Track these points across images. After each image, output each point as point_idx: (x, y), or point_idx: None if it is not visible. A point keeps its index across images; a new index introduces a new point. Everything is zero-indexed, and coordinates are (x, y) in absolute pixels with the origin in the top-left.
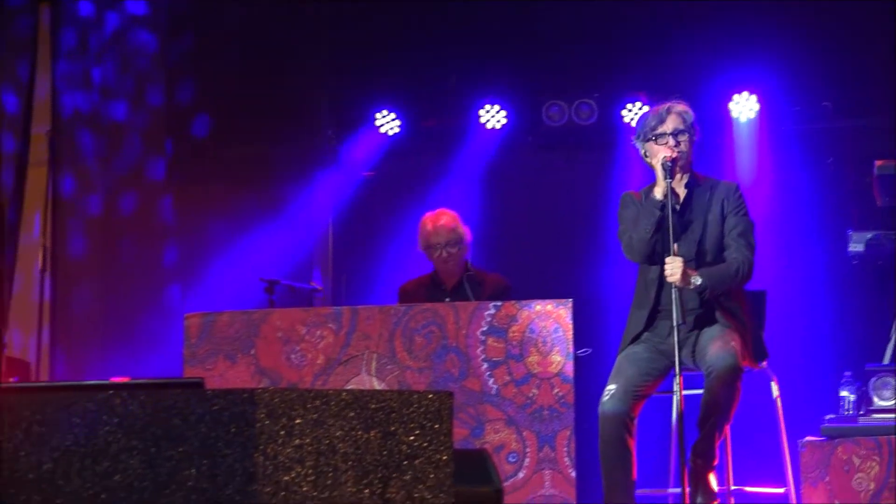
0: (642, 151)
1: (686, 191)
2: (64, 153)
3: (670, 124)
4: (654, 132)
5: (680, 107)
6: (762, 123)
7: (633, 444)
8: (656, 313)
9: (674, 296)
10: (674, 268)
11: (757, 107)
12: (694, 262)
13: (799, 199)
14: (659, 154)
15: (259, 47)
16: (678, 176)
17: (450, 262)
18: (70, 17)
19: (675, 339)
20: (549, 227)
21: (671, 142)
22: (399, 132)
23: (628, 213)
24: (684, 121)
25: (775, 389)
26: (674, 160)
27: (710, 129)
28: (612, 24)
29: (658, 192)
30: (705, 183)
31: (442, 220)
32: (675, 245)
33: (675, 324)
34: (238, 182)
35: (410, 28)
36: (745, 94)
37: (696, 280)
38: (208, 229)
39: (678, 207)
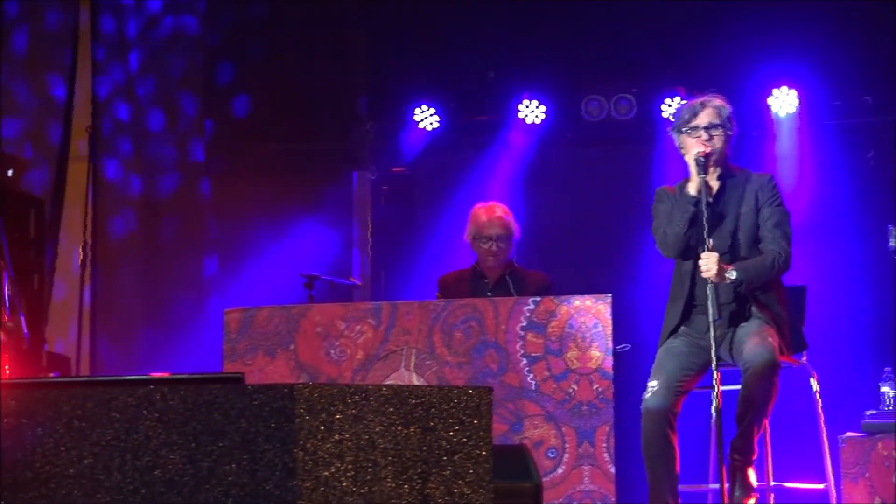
0: (678, 143)
1: (719, 184)
2: (103, 140)
3: (704, 118)
4: (688, 125)
5: (716, 101)
6: (802, 118)
7: (675, 440)
8: (691, 307)
9: (709, 291)
10: (708, 263)
11: (797, 101)
12: (728, 255)
13: (839, 194)
14: (692, 149)
15: (298, 42)
16: (711, 169)
17: (497, 256)
18: (110, 3)
19: (713, 335)
20: (588, 223)
21: (703, 136)
22: (438, 128)
23: (662, 208)
24: (720, 115)
25: (815, 384)
26: (707, 155)
27: (749, 123)
28: (652, 18)
29: (692, 188)
30: (739, 175)
31: (497, 212)
32: (710, 240)
33: (710, 319)
34: (276, 177)
35: (449, 23)
36: (784, 88)
37: (732, 275)
38: (248, 224)
39: (711, 201)
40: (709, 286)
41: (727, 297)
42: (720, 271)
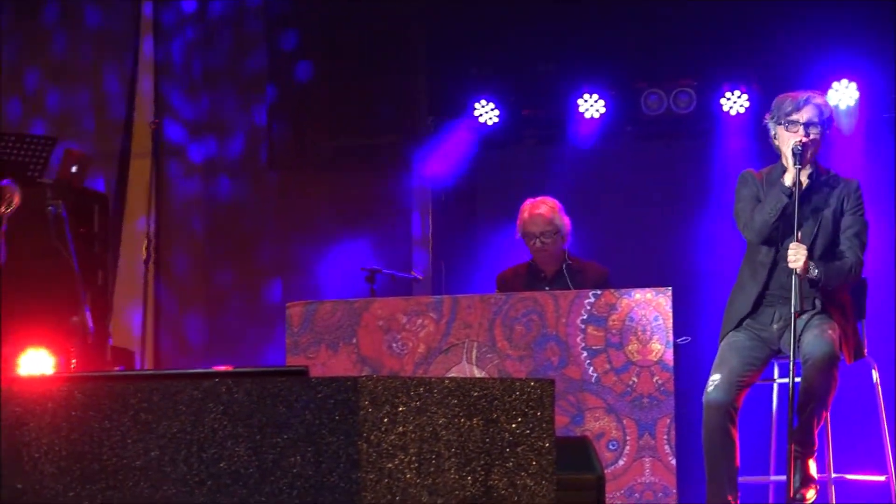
0: (772, 133)
1: (808, 181)
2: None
3: (805, 115)
4: (788, 118)
5: (819, 99)
6: (861, 111)
7: (736, 434)
8: (762, 298)
9: (794, 282)
10: (798, 254)
11: (856, 94)
12: (811, 252)
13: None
14: (789, 140)
15: (358, 38)
16: (805, 166)
17: (545, 252)
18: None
19: (794, 324)
20: (648, 216)
21: (801, 132)
22: (498, 122)
23: (747, 192)
24: (820, 113)
25: (875, 376)
26: (804, 145)
27: None
28: (711, 12)
29: (787, 178)
30: (827, 177)
31: (539, 209)
32: (798, 234)
33: (793, 309)
34: (338, 171)
35: (509, 18)
36: (844, 81)
37: (814, 271)
38: (310, 219)
39: (800, 195)
40: (794, 278)
41: (803, 290)
42: (807, 267)
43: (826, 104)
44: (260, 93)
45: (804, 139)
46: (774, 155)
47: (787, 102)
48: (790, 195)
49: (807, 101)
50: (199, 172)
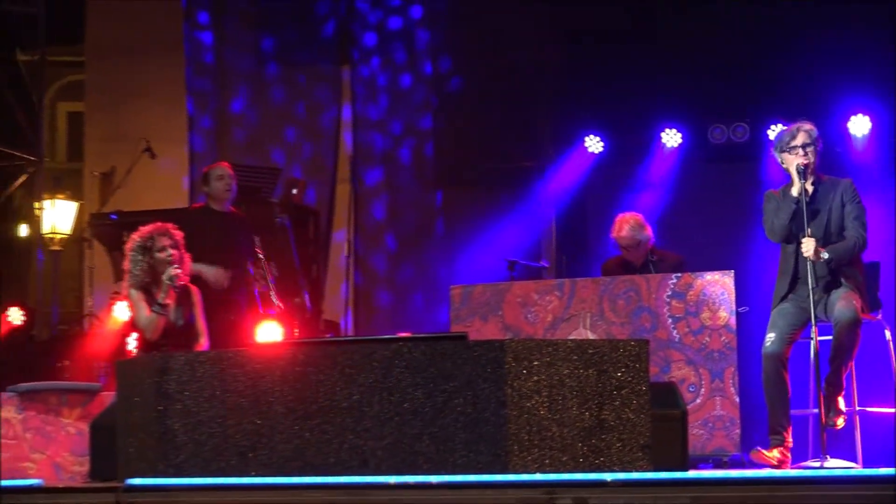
0: (779, 160)
1: (813, 188)
2: (361, 166)
3: (800, 139)
4: (788, 146)
5: (807, 126)
6: (873, 137)
7: (787, 377)
8: (796, 279)
9: (808, 267)
10: (808, 246)
11: (869, 125)
12: (822, 240)
13: None
14: (793, 162)
15: (496, 89)
16: (808, 177)
17: (630, 254)
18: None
19: (811, 299)
20: (715, 219)
21: (801, 153)
22: (602, 150)
23: (770, 206)
24: (810, 136)
25: (888, 335)
26: (805, 165)
27: (834, 142)
28: (760, 63)
29: (794, 191)
30: (828, 181)
31: (623, 230)
32: (809, 229)
33: (810, 287)
34: (488, 186)
35: (609, 73)
36: (860, 115)
37: (825, 255)
38: (466, 223)
39: (808, 200)
40: (808, 263)
41: (822, 270)
42: (817, 252)
43: (813, 128)
44: (425, 134)
45: (803, 160)
46: None
47: (785, 134)
48: (797, 202)
49: (798, 130)
50: (384, 191)
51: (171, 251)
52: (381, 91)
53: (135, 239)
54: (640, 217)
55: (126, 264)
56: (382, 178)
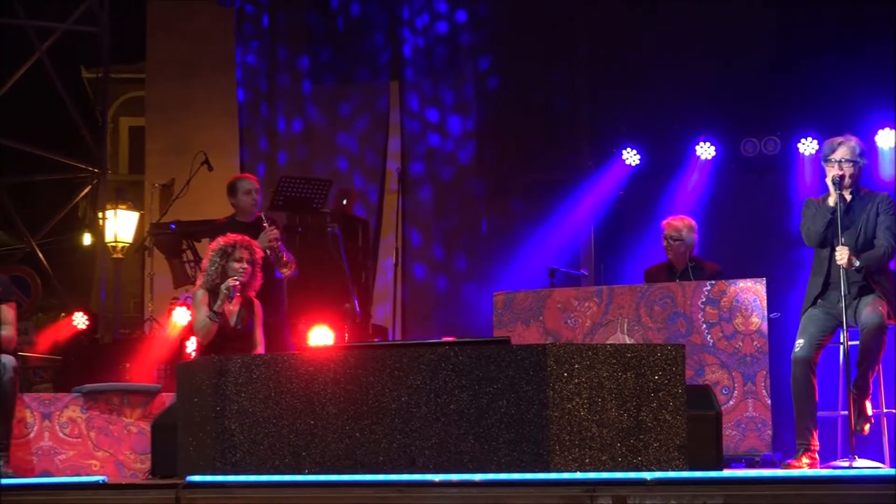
0: (825, 169)
1: (851, 198)
2: (408, 180)
3: (839, 154)
4: (827, 158)
5: (850, 142)
6: None
7: (815, 381)
8: (828, 282)
9: (842, 274)
10: (842, 254)
11: (895, 138)
12: (854, 249)
13: None
14: (830, 173)
15: (538, 107)
16: (845, 189)
17: (675, 252)
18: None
19: (843, 304)
20: (748, 228)
21: (836, 166)
22: (639, 163)
23: (808, 213)
24: (852, 151)
25: None
26: (841, 177)
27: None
28: (790, 80)
29: (830, 201)
30: (866, 195)
31: (676, 221)
32: (843, 238)
33: (842, 293)
34: (528, 197)
35: (646, 89)
36: (887, 129)
37: (856, 262)
38: (509, 234)
39: (844, 209)
40: (842, 270)
41: (854, 277)
42: (850, 260)
43: (857, 144)
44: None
45: (838, 172)
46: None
47: (827, 146)
48: (833, 212)
49: (840, 144)
50: (432, 202)
51: (245, 265)
52: (428, 104)
53: (219, 242)
54: (692, 221)
55: (204, 263)
56: (430, 190)
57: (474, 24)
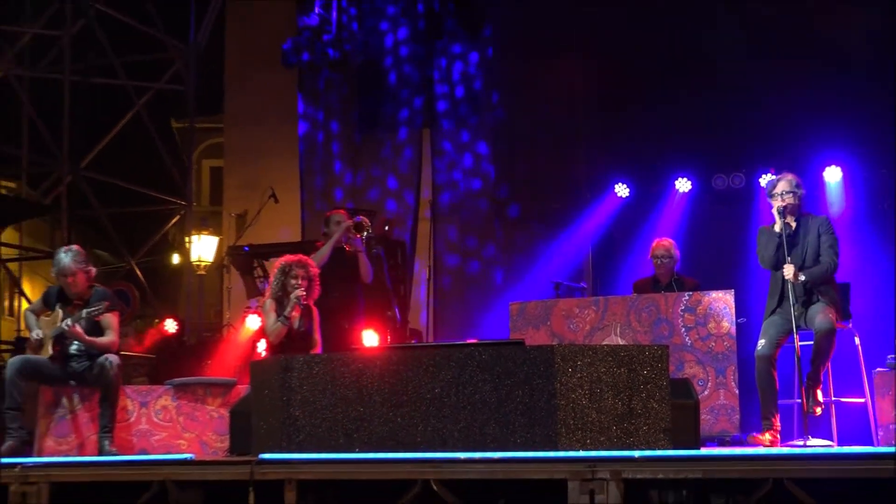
0: (771, 202)
1: (795, 224)
2: (439, 210)
3: (779, 188)
4: (771, 192)
5: (788, 176)
6: (845, 184)
7: (776, 374)
8: (783, 298)
9: (790, 288)
10: (788, 271)
11: (840, 174)
12: (801, 266)
13: (868, 226)
14: (775, 205)
15: (544, 146)
16: (789, 216)
17: (662, 269)
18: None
19: (793, 313)
20: (718, 249)
21: (779, 199)
22: (628, 195)
23: (762, 240)
24: (790, 184)
25: (857, 340)
26: (784, 208)
27: (812, 187)
28: (754, 124)
29: (776, 227)
30: (807, 218)
31: (663, 243)
32: (789, 258)
33: (791, 304)
34: (534, 224)
35: (634, 131)
36: (833, 166)
37: (802, 277)
38: (522, 253)
39: (790, 233)
40: (790, 284)
41: (800, 290)
42: (795, 275)
43: (793, 178)
44: (486, 181)
45: (781, 203)
46: None
47: (770, 183)
48: (780, 237)
49: (779, 179)
50: (458, 228)
51: (301, 280)
52: (453, 146)
53: (283, 261)
54: (673, 242)
55: (271, 277)
56: (457, 217)
57: (487, 81)
